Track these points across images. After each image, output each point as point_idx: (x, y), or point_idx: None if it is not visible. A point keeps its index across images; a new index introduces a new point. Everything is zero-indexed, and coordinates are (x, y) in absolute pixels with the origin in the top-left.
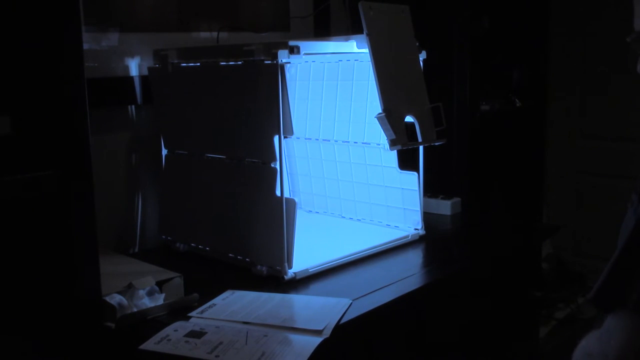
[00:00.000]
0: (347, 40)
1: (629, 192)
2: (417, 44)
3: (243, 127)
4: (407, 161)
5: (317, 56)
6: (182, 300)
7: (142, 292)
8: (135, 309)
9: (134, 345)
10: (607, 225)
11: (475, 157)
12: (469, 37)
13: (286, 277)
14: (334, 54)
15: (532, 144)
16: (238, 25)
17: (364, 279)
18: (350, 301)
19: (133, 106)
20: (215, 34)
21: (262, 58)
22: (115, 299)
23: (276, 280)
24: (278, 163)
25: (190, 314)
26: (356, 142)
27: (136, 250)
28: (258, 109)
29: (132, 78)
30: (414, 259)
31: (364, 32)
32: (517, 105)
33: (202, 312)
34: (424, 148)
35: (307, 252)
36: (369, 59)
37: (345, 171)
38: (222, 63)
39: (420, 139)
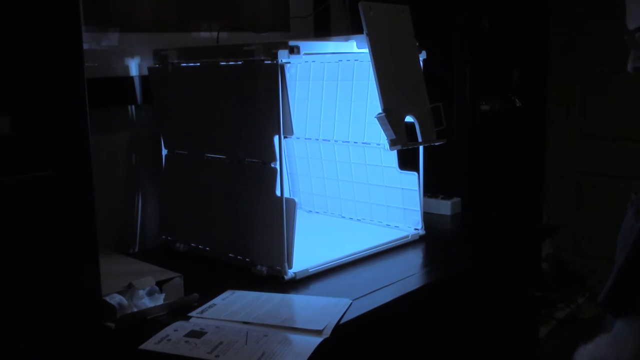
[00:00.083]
0: (347, 40)
1: (629, 192)
2: (417, 44)
3: (243, 127)
4: (407, 161)
5: (317, 56)
6: (182, 300)
7: (142, 292)
8: (135, 309)
9: (134, 345)
10: (607, 225)
11: (475, 157)
12: (469, 37)
13: (286, 277)
14: (334, 54)
15: (532, 144)
16: (238, 25)
17: (364, 279)
18: (350, 301)
19: (133, 106)
20: (215, 34)
21: (262, 58)
22: (115, 299)
23: (276, 280)
24: (278, 163)
25: (190, 314)
26: (356, 142)
27: (136, 250)
28: (258, 109)
29: (132, 78)
30: (414, 259)
31: (364, 32)
32: (517, 105)
33: (202, 312)
34: (424, 148)
35: (307, 252)
36: (369, 59)
37: (345, 171)
38: (222, 63)
39: (420, 139)
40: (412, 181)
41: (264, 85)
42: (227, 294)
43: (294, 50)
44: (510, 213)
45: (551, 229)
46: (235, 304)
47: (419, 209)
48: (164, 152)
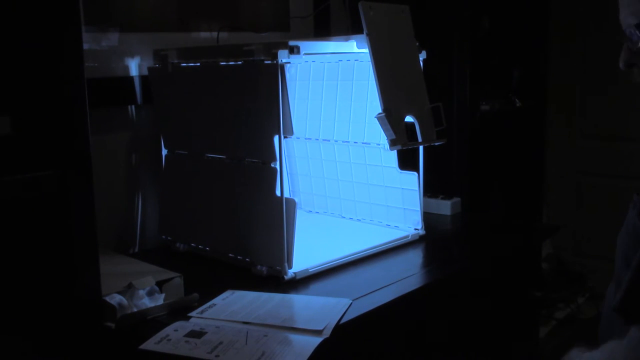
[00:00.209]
0: (347, 40)
1: (629, 192)
2: (417, 44)
3: (243, 127)
4: (407, 161)
5: (317, 56)
6: (182, 300)
7: (142, 292)
8: (135, 309)
9: (134, 345)
10: (607, 225)
11: (475, 157)
12: (469, 37)
13: (286, 277)
14: (334, 54)
15: (532, 144)
16: (238, 25)
17: (364, 279)
18: (350, 301)
19: (133, 106)
20: (215, 34)
21: (262, 58)
22: (115, 299)
23: (276, 280)
24: (278, 163)
25: (190, 314)
26: (356, 142)
27: (136, 250)
28: (258, 109)
29: (132, 78)
30: (414, 259)
31: (364, 32)
32: (517, 105)
33: (202, 312)
34: (424, 148)
35: (307, 252)
36: (369, 59)
37: (345, 171)
38: (222, 63)
39: (420, 139)
40: (412, 181)
41: (264, 85)
42: (227, 294)
43: (294, 50)
44: (510, 213)
45: (551, 229)
46: (235, 304)
47: (419, 209)
48: (164, 152)
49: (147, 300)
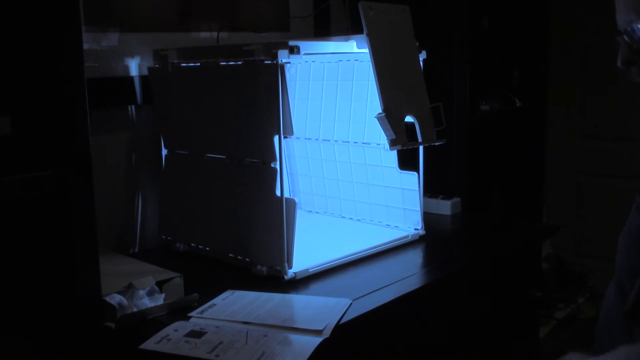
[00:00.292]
0: (347, 40)
1: (629, 192)
2: (417, 44)
3: (243, 127)
4: (407, 161)
5: (317, 56)
6: (182, 300)
7: (142, 292)
8: (135, 309)
9: (134, 345)
10: (607, 225)
11: (475, 157)
12: (469, 37)
13: (286, 277)
14: (334, 54)
15: (532, 144)
16: (238, 25)
17: (364, 279)
18: (350, 301)
19: (133, 106)
20: (215, 34)
21: (262, 58)
22: (115, 299)
23: (276, 280)
24: (278, 163)
25: (190, 314)
26: (356, 142)
27: (136, 250)
28: (258, 109)
29: (132, 78)
30: (414, 259)
31: (364, 32)
32: (517, 105)
33: (202, 312)
34: (424, 148)
35: (307, 252)
36: (369, 59)
37: (345, 171)
38: (222, 63)
39: (420, 139)
40: (412, 181)
41: (264, 85)
42: (227, 294)
43: (294, 50)
44: (510, 213)
45: (551, 229)
46: (235, 304)
47: (419, 209)
48: (164, 152)
49: (147, 300)
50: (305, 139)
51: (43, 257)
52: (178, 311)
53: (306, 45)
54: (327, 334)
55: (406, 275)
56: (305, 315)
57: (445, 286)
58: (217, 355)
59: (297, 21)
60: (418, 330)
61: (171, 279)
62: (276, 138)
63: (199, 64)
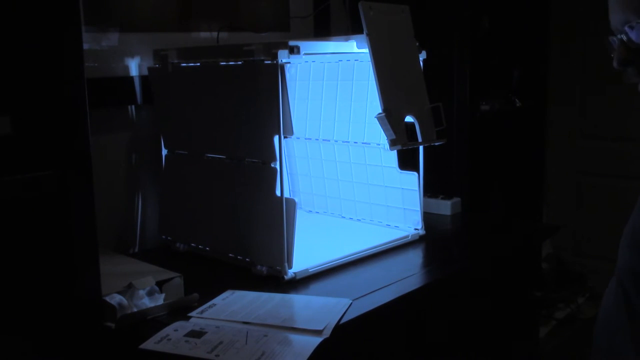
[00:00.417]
0: (347, 40)
1: (629, 192)
2: (417, 44)
3: (243, 127)
4: (407, 161)
5: (317, 56)
6: (182, 300)
7: (142, 292)
8: (135, 309)
9: (134, 345)
10: (607, 225)
11: (475, 157)
12: (469, 37)
13: (286, 277)
14: (334, 54)
15: (532, 144)
16: (238, 25)
17: (364, 279)
18: (350, 301)
19: (133, 106)
20: (215, 34)
21: (262, 58)
22: (115, 299)
23: (276, 280)
24: (278, 163)
25: (190, 314)
26: (356, 142)
27: (136, 250)
28: (258, 109)
29: (132, 78)
30: (414, 259)
31: (364, 32)
32: (517, 105)
33: (202, 312)
34: (424, 148)
35: (307, 252)
36: (369, 59)
37: (345, 171)
38: (222, 63)
39: (420, 139)
40: (412, 181)
41: (264, 85)
42: (227, 294)
43: (294, 50)
44: (510, 213)
45: (551, 229)
46: (235, 304)
47: (419, 209)
48: (164, 152)
49: (147, 300)
50: (305, 139)
51: (43, 257)
52: (178, 311)
53: (306, 45)
54: (327, 334)
55: (406, 275)
56: (305, 315)
57: (445, 286)
58: (217, 355)
59: (297, 21)
60: (418, 330)
61: (171, 279)
62: (276, 138)
63: (199, 64)
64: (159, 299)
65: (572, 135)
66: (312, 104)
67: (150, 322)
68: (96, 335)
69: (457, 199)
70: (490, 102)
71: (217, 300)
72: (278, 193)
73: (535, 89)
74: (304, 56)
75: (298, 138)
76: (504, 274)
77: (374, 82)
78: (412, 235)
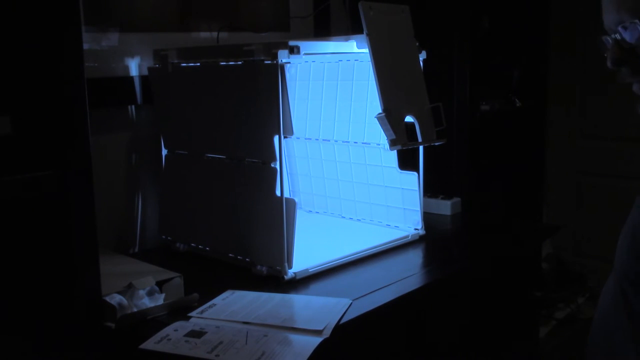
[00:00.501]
0: (347, 40)
1: (629, 192)
2: (417, 44)
3: (243, 127)
4: (407, 161)
5: (317, 56)
6: (182, 300)
7: (142, 292)
8: (135, 309)
9: (134, 345)
10: (607, 225)
11: (475, 157)
12: (469, 37)
13: (286, 277)
14: (334, 54)
15: (532, 144)
16: (238, 25)
17: (364, 279)
18: (350, 301)
19: (133, 106)
20: (215, 34)
21: (262, 58)
22: (115, 299)
23: (276, 280)
24: (278, 163)
25: (190, 314)
26: (356, 142)
27: (136, 250)
28: (258, 109)
29: (132, 78)
30: (414, 259)
31: (364, 32)
32: (517, 105)
33: (202, 312)
34: (424, 148)
35: (307, 252)
36: (369, 59)
37: (345, 171)
38: (222, 63)
39: (420, 139)
40: (412, 181)
41: (264, 85)
42: (227, 294)
43: (294, 50)
44: (510, 213)
45: (551, 229)
46: (235, 304)
47: (419, 209)
48: (164, 152)
49: (147, 300)
50: (305, 139)
51: (43, 257)
52: (178, 311)
53: (306, 45)
54: (327, 334)
55: (406, 275)
56: (305, 315)
57: (445, 286)
58: (217, 355)
59: (297, 21)
60: (418, 330)
61: (171, 279)
62: (276, 138)
63: (199, 64)
64: (159, 299)
65: (572, 135)
66: (312, 104)
67: (150, 322)
68: (96, 335)
69: (457, 199)
70: (490, 102)
71: (217, 300)
72: (278, 193)
73: (535, 89)
74: (304, 56)
75: (298, 138)
76: (504, 274)
77: (374, 82)
78: (412, 235)
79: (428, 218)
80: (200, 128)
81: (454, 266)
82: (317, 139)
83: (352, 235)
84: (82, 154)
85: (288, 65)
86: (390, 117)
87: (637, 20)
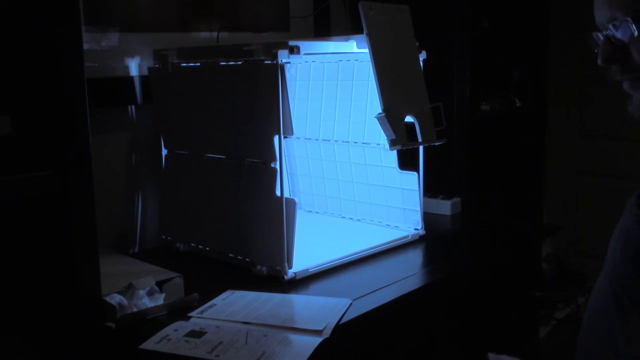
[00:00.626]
0: (347, 40)
1: (628, 192)
2: (417, 44)
3: (243, 127)
4: (407, 161)
5: (317, 56)
6: (182, 300)
7: (142, 292)
8: (135, 309)
9: (134, 345)
10: (607, 225)
11: (475, 157)
12: (469, 37)
13: (286, 277)
14: (334, 54)
15: (532, 144)
16: (238, 25)
17: (364, 279)
18: (350, 301)
19: (133, 106)
20: (215, 34)
21: (262, 58)
22: (115, 299)
23: (276, 280)
24: (278, 163)
25: (190, 314)
26: (356, 142)
27: (136, 250)
28: (258, 109)
29: (132, 78)
30: (414, 259)
31: (364, 32)
32: (517, 105)
33: (202, 312)
34: (424, 148)
35: (307, 252)
36: (369, 59)
37: (345, 171)
38: (222, 63)
39: (420, 139)
40: (412, 181)
41: (264, 85)
42: (227, 294)
43: (294, 50)
44: (510, 213)
45: (551, 229)
46: (235, 304)
47: (419, 209)
48: (164, 152)
49: (147, 300)
50: (305, 139)
51: (43, 257)
52: (178, 311)
53: (306, 45)
54: (327, 334)
55: (406, 275)
56: (305, 315)
57: (445, 286)
58: (217, 355)
59: (297, 21)
60: (418, 330)
61: (171, 279)
62: (276, 138)
63: (199, 64)
64: (159, 299)
65: (572, 135)
66: (312, 104)
67: (150, 322)
68: (96, 335)
69: (457, 199)
70: (490, 102)
71: (217, 300)
72: (278, 193)
73: (535, 89)
74: (304, 56)
75: (298, 138)
76: (504, 273)
77: (374, 82)
78: (412, 235)
79: (428, 218)
80: (200, 128)
81: (454, 266)
82: (317, 139)
83: (352, 235)
84: (82, 153)
85: (288, 65)
86: (390, 117)
87: (629, 18)
